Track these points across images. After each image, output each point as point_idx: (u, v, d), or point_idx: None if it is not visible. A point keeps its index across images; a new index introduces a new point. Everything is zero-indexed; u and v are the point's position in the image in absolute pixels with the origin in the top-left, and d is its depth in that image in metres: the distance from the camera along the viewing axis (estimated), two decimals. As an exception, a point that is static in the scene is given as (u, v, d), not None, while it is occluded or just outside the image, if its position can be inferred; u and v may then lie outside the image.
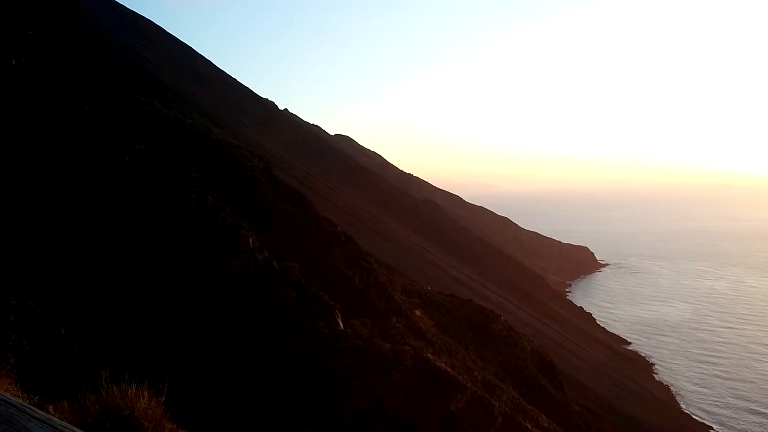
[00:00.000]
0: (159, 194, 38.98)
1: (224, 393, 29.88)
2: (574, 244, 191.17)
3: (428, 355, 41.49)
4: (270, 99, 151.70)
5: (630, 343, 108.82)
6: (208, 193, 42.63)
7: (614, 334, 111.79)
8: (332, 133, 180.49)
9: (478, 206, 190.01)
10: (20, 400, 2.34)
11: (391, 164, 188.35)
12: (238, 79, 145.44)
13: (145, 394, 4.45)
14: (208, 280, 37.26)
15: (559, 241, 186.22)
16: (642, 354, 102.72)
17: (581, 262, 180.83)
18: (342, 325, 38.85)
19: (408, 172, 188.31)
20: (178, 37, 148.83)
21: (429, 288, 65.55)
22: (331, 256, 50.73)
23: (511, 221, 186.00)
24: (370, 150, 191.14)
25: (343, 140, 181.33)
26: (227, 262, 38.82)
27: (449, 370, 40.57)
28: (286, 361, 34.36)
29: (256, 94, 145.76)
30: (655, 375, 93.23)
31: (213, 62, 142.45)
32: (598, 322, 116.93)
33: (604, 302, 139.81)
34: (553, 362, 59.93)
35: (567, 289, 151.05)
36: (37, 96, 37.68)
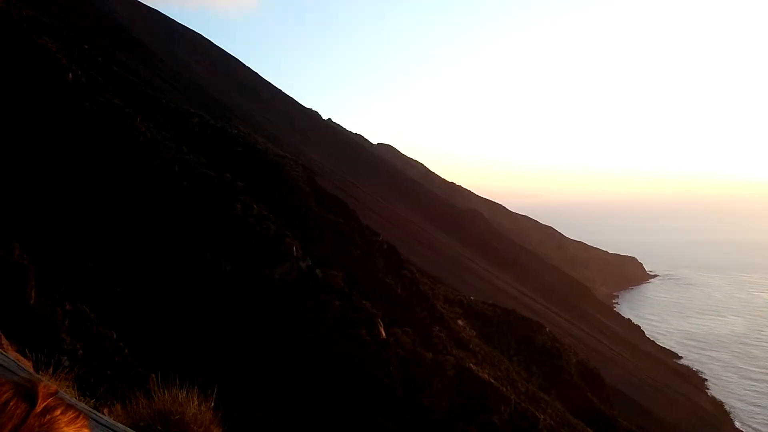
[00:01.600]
0: (206, 203, 39.90)
1: (268, 398, 30.20)
2: (622, 254, 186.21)
3: (471, 365, 41.02)
4: (314, 109, 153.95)
5: (681, 358, 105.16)
6: (254, 201, 43.41)
7: (664, 348, 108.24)
8: (375, 142, 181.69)
9: (522, 215, 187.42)
10: (86, 406, 2.37)
11: (434, 173, 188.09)
12: (282, 90, 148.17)
13: (195, 399, 4.51)
14: (253, 287, 37.85)
15: (606, 251, 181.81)
16: (694, 369, 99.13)
17: (629, 273, 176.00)
18: (384, 334, 38.83)
19: (450, 181, 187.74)
20: (225, 49, 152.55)
21: (471, 298, 64.93)
22: (373, 264, 50.83)
23: (556, 230, 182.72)
24: (412, 159, 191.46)
25: (386, 149, 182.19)
26: (272, 270, 39.41)
27: (492, 381, 40.00)
28: (328, 369, 34.53)
29: (301, 105, 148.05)
30: (707, 391, 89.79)
31: (258, 73, 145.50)
32: (647, 335, 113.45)
33: (654, 315, 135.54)
34: (600, 375, 58.41)
35: (614, 301, 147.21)
36: (92, 108, 39.18)
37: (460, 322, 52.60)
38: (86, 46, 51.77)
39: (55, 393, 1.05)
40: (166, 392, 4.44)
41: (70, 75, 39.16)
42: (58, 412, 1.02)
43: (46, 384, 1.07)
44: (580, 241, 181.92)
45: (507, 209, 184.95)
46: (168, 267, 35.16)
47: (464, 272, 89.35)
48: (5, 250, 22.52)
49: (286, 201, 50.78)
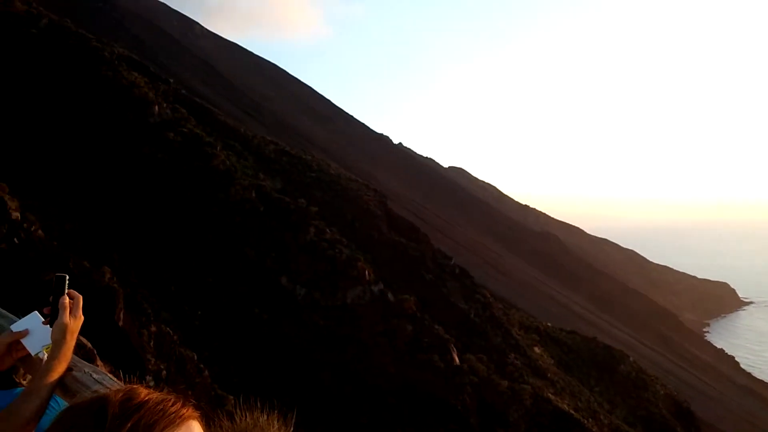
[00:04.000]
0: (281, 227, 40.87)
1: (341, 423, 30.13)
2: (712, 279, 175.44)
3: (549, 395, 39.52)
4: (385, 134, 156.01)
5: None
6: (327, 226, 44.09)
7: (763, 381, 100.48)
8: (446, 165, 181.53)
9: (601, 238, 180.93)
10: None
11: (507, 196, 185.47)
12: (354, 116, 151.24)
13: (275, 422, 4.46)
14: (326, 310, 38.22)
15: (695, 276, 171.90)
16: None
17: (720, 299, 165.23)
18: (458, 360, 38.08)
19: (524, 204, 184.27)
20: (298, 77, 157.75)
21: (548, 324, 62.90)
22: (445, 289, 50.26)
23: (638, 254, 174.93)
24: (484, 182, 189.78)
25: (457, 172, 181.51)
26: (344, 294, 39.69)
27: (572, 412, 38.33)
28: (400, 394, 34.16)
29: (372, 130, 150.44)
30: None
31: (331, 100, 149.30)
32: (742, 366, 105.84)
33: (750, 344, 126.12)
34: (691, 409, 54.85)
35: (704, 329, 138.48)
36: (175, 138, 41.26)
37: (536, 349, 50.96)
38: (171, 80, 54.73)
39: (133, 407, 1.02)
40: (248, 415, 4.43)
41: (156, 108, 41.47)
42: (129, 424, 1.00)
43: (123, 398, 1.04)
44: (665, 266, 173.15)
45: (585, 232, 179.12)
46: (245, 291, 36.12)
47: (540, 297, 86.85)
48: (97, 274, 23.80)
49: (358, 225, 51.28)
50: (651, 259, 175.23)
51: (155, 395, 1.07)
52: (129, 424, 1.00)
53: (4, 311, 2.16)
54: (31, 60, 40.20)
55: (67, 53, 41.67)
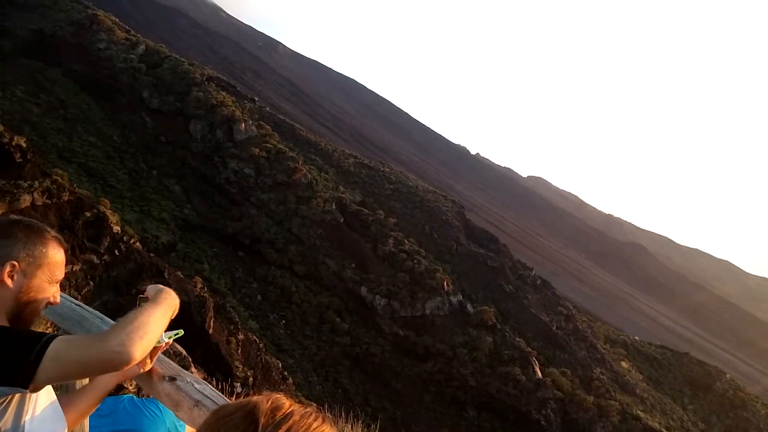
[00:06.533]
0: (361, 239, 41.66)
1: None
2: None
3: (638, 412, 37.89)
4: (462, 144, 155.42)
5: None
6: (406, 237, 44.50)
7: None
8: (525, 175, 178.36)
9: (692, 248, 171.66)
10: None
11: (589, 204, 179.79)
12: (432, 128, 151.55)
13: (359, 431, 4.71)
14: (405, 320, 38.50)
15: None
16: None
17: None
18: (540, 374, 37.27)
19: (608, 213, 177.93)
20: (374, 90, 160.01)
21: (636, 338, 60.29)
22: (526, 300, 49.34)
23: (734, 265, 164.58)
24: (565, 191, 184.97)
25: (537, 181, 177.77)
26: (423, 304, 39.85)
27: (664, 430, 36.57)
28: (481, 407, 33.81)
29: (449, 141, 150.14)
30: None
31: (408, 113, 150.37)
32: None
33: None
34: (797, 432, 50.75)
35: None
36: (260, 154, 43.05)
37: (623, 364, 48.98)
38: (256, 99, 57.18)
39: (282, 417, 1.05)
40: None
41: (243, 125, 43.47)
42: None
43: (272, 407, 1.07)
44: (764, 277, 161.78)
45: (674, 242, 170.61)
46: (326, 301, 37.01)
47: (626, 310, 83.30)
48: (190, 284, 25.22)
49: (436, 236, 51.35)
50: (748, 270, 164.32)
51: (297, 407, 1.10)
52: None
53: (112, 321, 2.11)
54: (129, 83, 43.27)
55: (161, 76, 44.51)
